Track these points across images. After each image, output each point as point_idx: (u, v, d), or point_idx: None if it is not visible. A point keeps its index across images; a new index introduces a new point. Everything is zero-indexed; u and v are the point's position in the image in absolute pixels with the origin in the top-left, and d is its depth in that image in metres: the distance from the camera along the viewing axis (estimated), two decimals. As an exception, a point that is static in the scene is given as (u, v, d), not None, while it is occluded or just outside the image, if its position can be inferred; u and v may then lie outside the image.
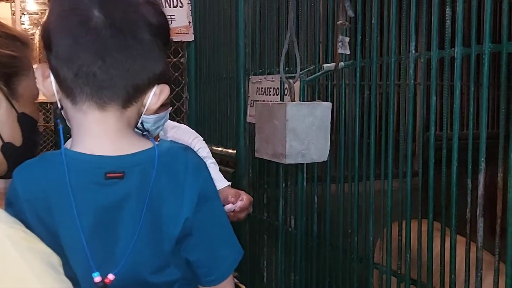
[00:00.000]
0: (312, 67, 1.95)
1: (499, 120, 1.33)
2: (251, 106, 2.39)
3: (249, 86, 2.39)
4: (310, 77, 1.91)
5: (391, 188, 1.72)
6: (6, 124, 0.88)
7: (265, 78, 2.26)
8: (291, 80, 1.84)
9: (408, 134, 1.61)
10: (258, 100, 2.30)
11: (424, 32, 1.49)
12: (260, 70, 2.34)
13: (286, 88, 1.96)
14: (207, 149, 2.06)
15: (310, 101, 1.97)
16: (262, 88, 2.29)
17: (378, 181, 1.78)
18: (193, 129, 2.32)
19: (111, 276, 0.81)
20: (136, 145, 0.84)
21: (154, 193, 0.82)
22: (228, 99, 2.65)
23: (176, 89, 3.00)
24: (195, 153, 0.89)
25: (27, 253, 0.73)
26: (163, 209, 0.82)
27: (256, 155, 2.02)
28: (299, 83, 1.93)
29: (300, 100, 1.95)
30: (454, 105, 1.40)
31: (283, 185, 2.23)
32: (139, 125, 0.86)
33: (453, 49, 1.39)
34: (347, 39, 1.70)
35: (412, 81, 1.53)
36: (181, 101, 3.03)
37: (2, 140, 0.89)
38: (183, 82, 3.02)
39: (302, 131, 1.81)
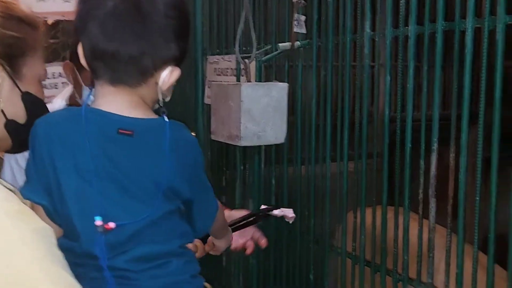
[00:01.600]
0: (268, 47, 1.90)
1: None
2: (208, 87, 2.34)
3: (207, 67, 2.33)
4: (266, 57, 1.87)
5: (346, 170, 1.70)
6: (9, 102, 0.92)
7: (222, 58, 2.20)
8: (246, 60, 1.79)
9: (363, 116, 1.59)
10: (215, 81, 2.24)
11: (379, 10, 1.46)
12: (218, 50, 2.29)
13: (242, 68, 1.92)
14: None
15: (267, 81, 1.93)
16: (219, 68, 2.23)
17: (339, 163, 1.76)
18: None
19: (112, 224, 0.89)
20: (147, 115, 0.95)
21: (155, 158, 0.91)
22: (186, 80, 2.59)
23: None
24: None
25: (20, 224, 0.77)
26: (162, 173, 0.92)
27: (212, 137, 1.97)
28: (255, 63, 1.89)
29: (256, 81, 1.91)
30: (408, 85, 1.38)
31: (241, 167, 2.19)
32: (161, 101, 0.95)
33: (407, 27, 1.37)
34: (303, 17, 1.66)
35: (367, 60, 1.50)
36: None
37: (6, 117, 0.93)
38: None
39: (258, 112, 1.77)
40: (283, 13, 1.86)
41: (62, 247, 0.83)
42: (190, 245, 1.21)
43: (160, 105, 0.96)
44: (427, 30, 1.32)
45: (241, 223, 1.46)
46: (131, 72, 0.91)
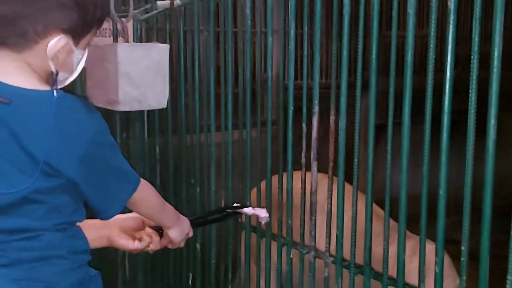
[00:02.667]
0: (148, 6, 1.78)
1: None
2: (86, 50, 2.16)
3: (84, 27, 2.15)
4: (145, 16, 1.75)
5: (231, 139, 1.66)
6: None
7: (100, 18, 2.04)
8: (123, 19, 1.66)
9: (246, 81, 1.54)
10: (93, 42, 2.08)
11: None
12: (95, 10, 2.11)
13: (120, 28, 1.78)
14: None
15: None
16: (97, 29, 2.07)
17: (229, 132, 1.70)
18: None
19: None
20: (34, 85, 0.90)
21: (34, 131, 0.87)
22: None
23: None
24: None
25: None
26: (40, 148, 0.88)
27: (89, 103, 1.83)
28: (133, 23, 1.76)
29: (134, 42, 1.79)
30: (289, 48, 1.35)
31: (124, 135, 2.07)
32: (54, 73, 0.92)
33: (287, -13, 1.33)
34: (183, -26, 1.56)
35: (249, 21, 1.45)
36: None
37: None
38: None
39: (137, 75, 1.66)
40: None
41: None
42: (145, 237, 1.18)
43: (55, 77, 0.93)
44: (307, -9, 1.28)
45: (208, 219, 1.39)
46: (8, 34, 0.89)
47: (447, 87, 1.03)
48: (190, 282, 1.87)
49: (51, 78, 0.94)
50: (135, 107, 1.73)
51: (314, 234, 1.43)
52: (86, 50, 1.00)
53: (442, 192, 1.09)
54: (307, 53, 1.34)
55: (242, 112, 1.58)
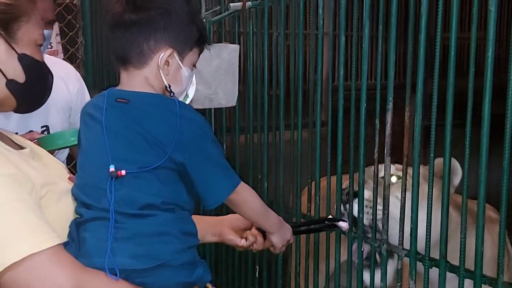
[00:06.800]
0: (218, 8, 1.85)
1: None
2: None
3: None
4: (217, 17, 1.82)
5: (300, 137, 1.70)
6: (7, 63, 1.04)
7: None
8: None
9: (317, 82, 1.58)
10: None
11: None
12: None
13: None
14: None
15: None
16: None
17: (288, 131, 1.76)
18: (90, 77, 2.14)
19: (123, 172, 1.03)
20: (147, 91, 1.10)
21: (150, 121, 1.05)
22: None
23: (70, 33, 2.77)
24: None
25: None
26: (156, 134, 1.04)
27: (161, 101, 1.92)
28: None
29: (206, 43, 1.86)
30: (363, 45, 1.39)
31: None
32: (167, 86, 1.09)
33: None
34: (255, -22, 1.63)
35: (321, 21, 1.50)
36: (76, 46, 2.81)
37: (6, 78, 1.05)
38: (78, 25, 2.79)
39: (209, 74, 1.74)
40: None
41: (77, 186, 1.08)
42: (250, 237, 1.31)
43: (168, 89, 1.09)
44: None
45: (308, 228, 1.50)
46: (132, 54, 1.08)
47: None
48: (257, 274, 1.93)
49: (167, 92, 1.10)
50: (206, 105, 1.81)
51: (386, 228, 1.47)
52: (193, 72, 1.15)
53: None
54: (381, 53, 1.38)
55: (312, 111, 1.63)
